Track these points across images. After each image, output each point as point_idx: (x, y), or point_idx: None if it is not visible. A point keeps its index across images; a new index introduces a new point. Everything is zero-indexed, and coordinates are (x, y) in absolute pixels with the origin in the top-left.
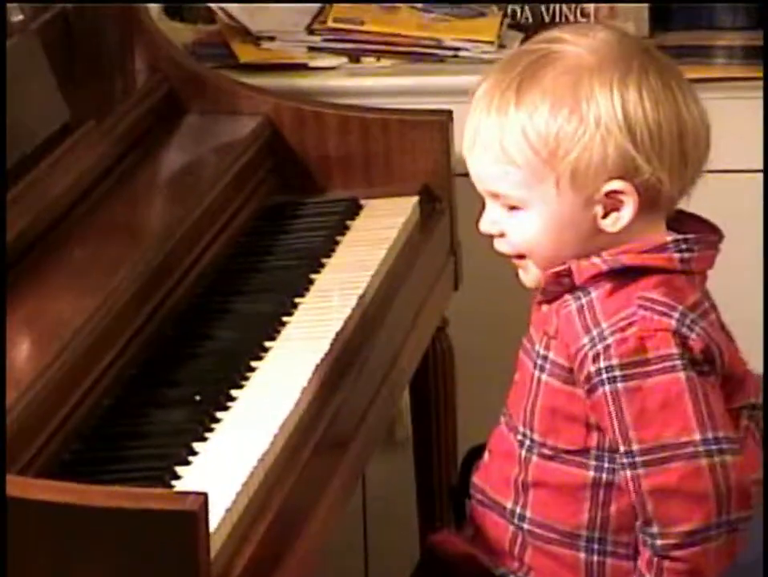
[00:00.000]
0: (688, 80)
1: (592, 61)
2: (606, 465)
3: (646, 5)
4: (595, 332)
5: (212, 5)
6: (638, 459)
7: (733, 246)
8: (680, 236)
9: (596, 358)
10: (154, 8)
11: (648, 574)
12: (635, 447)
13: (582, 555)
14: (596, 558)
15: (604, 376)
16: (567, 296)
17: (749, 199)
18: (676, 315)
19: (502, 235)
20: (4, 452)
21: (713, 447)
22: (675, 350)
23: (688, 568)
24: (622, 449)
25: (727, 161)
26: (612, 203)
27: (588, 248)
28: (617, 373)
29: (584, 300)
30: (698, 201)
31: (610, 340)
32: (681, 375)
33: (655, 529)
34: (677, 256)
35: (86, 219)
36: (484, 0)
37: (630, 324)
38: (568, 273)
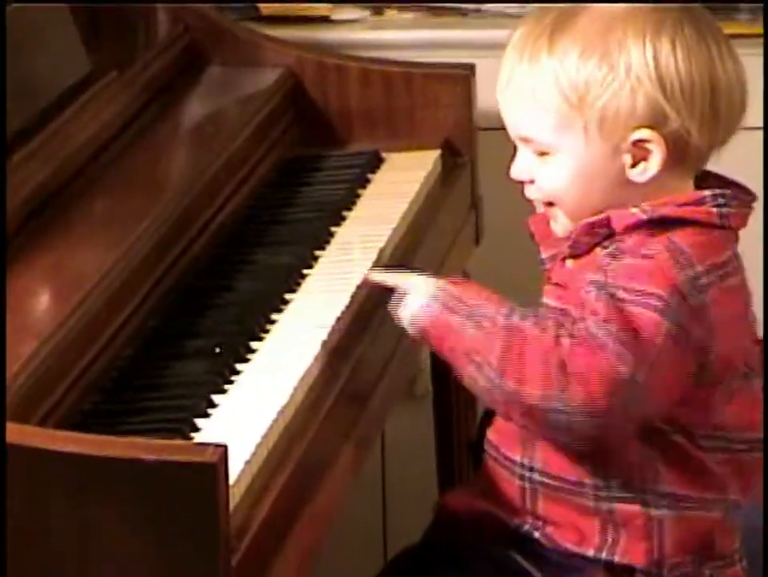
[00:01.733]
0: (727, 37)
1: (627, 10)
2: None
3: None
4: (614, 250)
5: None
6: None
7: None
8: (717, 191)
9: (598, 269)
10: None
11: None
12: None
13: (590, 503)
14: (603, 504)
15: (595, 286)
16: (597, 249)
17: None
18: (691, 273)
19: (532, 181)
20: (4, 397)
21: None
22: (670, 302)
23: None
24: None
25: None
26: (641, 153)
27: (616, 198)
28: (611, 290)
29: (615, 245)
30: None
31: (623, 261)
32: (665, 322)
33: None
34: (715, 210)
35: (107, 170)
36: None
37: (647, 257)
38: (605, 224)
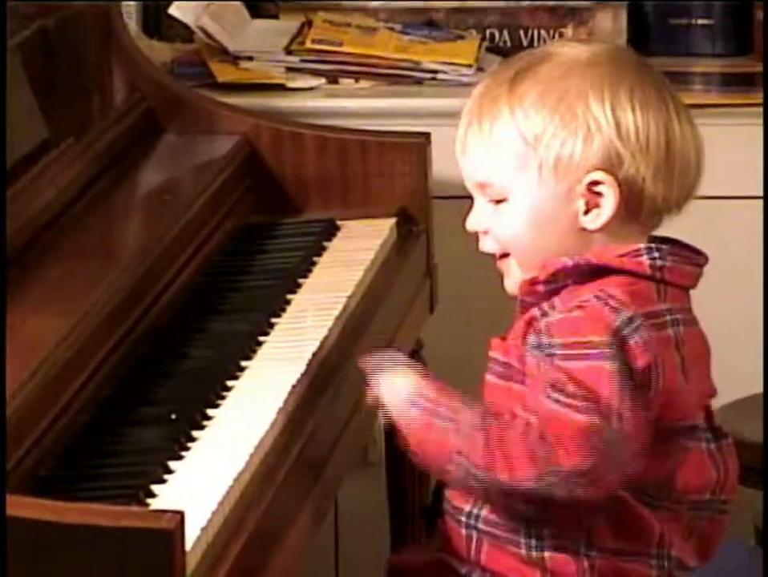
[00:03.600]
0: (683, 103)
1: (589, 58)
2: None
3: (624, 27)
4: (546, 309)
5: (191, 24)
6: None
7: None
8: (653, 245)
9: (537, 332)
10: (132, 26)
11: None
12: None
13: (524, 552)
14: (534, 553)
15: (536, 351)
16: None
17: (724, 225)
18: (624, 315)
19: (486, 232)
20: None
21: (614, 417)
22: (609, 348)
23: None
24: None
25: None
26: (594, 200)
27: (568, 247)
28: (551, 350)
29: (547, 302)
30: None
31: (554, 318)
32: (608, 365)
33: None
34: (647, 262)
35: (63, 236)
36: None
37: (579, 308)
38: (539, 279)
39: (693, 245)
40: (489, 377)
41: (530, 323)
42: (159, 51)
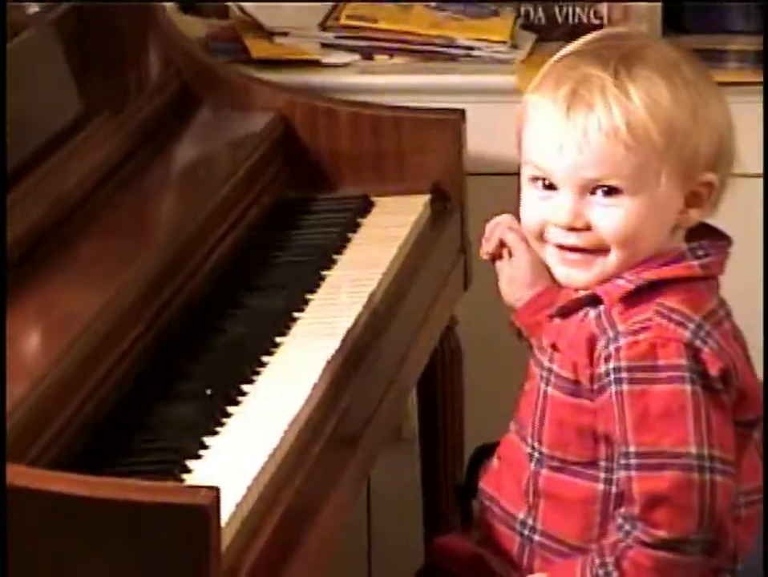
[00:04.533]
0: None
1: (683, 57)
2: (615, 477)
3: (659, 5)
4: (611, 334)
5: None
6: (633, 461)
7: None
8: (694, 243)
9: (607, 359)
10: (168, 2)
11: (608, 555)
12: (632, 449)
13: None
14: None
15: (612, 377)
16: (586, 308)
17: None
18: (691, 326)
19: (585, 228)
20: (4, 442)
21: (706, 464)
22: (685, 362)
23: (650, 568)
24: (621, 449)
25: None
26: (697, 195)
27: (662, 244)
28: (624, 375)
29: (602, 308)
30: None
31: (622, 342)
32: (687, 387)
33: (638, 524)
34: (696, 263)
35: (98, 213)
36: None
37: (644, 329)
38: (592, 298)
39: (717, 227)
40: (553, 392)
41: (592, 341)
42: (194, 27)
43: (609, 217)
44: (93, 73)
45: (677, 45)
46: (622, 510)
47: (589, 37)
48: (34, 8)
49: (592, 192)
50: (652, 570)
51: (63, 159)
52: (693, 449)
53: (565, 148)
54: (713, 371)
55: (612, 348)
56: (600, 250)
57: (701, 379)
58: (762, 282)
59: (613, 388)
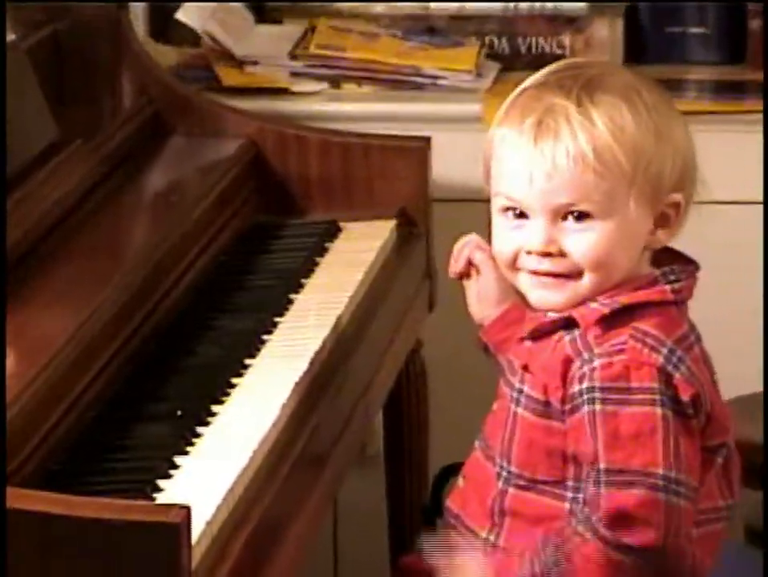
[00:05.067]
0: None
1: (643, 82)
2: (581, 495)
3: (621, 35)
4: (586, 356)
5: (198, 29)
6: (603, 478)
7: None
8: (666, 268)
9: (581, 379)
10: (140, 30)
11: (559, 545)
12: (602, 466)
13: None
14: None
15: (585, 396)
16: (561, 332)
17: (720, 229)
18: (664, 351)
19: (559, 253)
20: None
21: (672, 486)
22: (657, 385)
23: (601, 565)
24: (591, 465)
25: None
26: (661, 219)
27: (632, 266)
28: (597, 394)
29: (577, 332)
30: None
31: (596, 363)
32: (659, 411)
33: (600, 525)
34: (668, 287)
35: (71, 237)
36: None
37: (619, 352)
38: (566, 321)
39: (684, 252)
40: (523, 412)
41: (566, 363)
42: (166, 55)
43: (581, 242)
44: (68, 99)
45: (637, 72)
46: (586, 509)
47: (551, 68)
48: (10, 36)
49: (564, 218)
50: (602, 567)
51: (38, 185)
52: (661, 471)
53: (535, 177)
54: (685, 396)
55: (586, 368)
56: (574, 274)
57: (672, 404)
58: (762, 303)
59: (586, 408)
